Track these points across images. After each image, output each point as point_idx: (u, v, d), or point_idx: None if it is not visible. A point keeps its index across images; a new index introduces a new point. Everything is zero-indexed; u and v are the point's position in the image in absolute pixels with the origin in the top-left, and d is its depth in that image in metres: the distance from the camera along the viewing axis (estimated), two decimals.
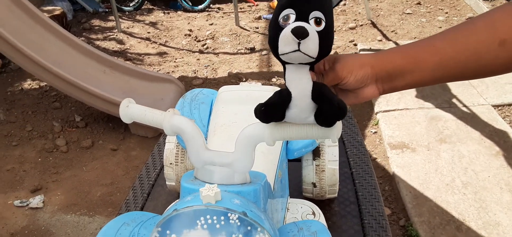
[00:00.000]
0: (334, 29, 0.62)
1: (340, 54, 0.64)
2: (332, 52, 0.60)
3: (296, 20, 0.55)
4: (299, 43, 0.53)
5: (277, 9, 0.57)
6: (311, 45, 0.53)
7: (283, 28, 0.55)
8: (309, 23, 0.54)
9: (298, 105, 0.57)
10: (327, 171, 0.97)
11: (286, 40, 0.54)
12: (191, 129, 0.60)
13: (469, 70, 0.57)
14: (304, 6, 0.55)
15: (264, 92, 0.97)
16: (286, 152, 0.94)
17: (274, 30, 0.56)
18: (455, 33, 0.57)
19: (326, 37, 0.55)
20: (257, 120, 0.58)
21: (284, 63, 0.57)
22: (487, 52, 0.54)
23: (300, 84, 0.57)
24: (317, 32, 0.54)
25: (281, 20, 0.55)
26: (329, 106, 0.57)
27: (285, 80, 0.59)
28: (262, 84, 3.06)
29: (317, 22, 0.55)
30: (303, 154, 0.97)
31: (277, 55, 0.56)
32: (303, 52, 0.54)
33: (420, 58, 0.58)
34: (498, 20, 0.54)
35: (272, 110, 0.58)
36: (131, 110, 0.66)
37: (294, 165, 1.03)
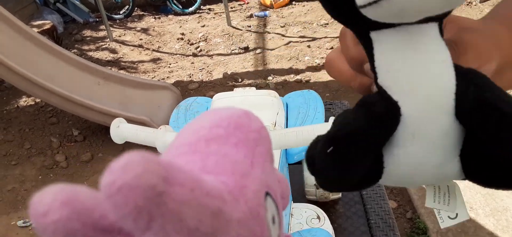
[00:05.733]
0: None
1: (456, 16, 0.32)
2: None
3: None
4: None
5: None
6: None
7: None
8: None
9: (420, 133, 0.24)
10: None
11: None
12: None
13: None
14: None
15: (259, 97, 0.95)
16: (286, 156, 0.91)
17: None
18: None
19: None
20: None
21: (369, 27, 0.24)
22: None
23: (424, 76, 0.23)
24: None
25: None
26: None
27: (376, 72, 0.25)
28: (257, 84, 3.04)
29: None
30: (303, 157, 0.95)
31: (349, 11, 0.23)
32: None
33: None
34: None
35: (353, 158, 0.24)
36: (122, 131, 0.64)
37: (294, 167, 1.01)
